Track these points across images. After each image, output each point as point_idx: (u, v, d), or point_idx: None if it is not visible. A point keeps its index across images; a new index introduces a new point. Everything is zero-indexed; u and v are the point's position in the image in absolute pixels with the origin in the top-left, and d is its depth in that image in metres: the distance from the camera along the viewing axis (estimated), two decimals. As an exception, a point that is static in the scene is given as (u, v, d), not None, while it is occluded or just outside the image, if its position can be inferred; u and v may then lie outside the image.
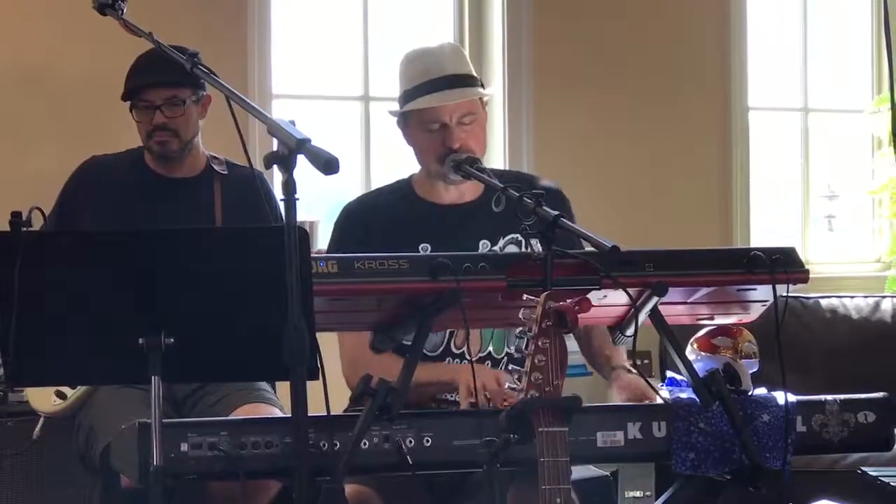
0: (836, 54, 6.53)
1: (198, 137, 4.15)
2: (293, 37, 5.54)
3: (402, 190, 3.72)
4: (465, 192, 3.67)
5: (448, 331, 3.56)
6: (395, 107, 3.65)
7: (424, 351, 3.33)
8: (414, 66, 3.61)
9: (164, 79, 3.98)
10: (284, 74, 5.46)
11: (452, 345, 3.60)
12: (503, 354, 3.63)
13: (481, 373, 3.30)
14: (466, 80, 3.59)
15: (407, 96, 3.59)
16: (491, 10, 5.78)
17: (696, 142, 6.00)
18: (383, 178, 4.05)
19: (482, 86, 3.69)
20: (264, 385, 3.94)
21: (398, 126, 3.68)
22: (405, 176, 3.75)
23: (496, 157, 5.63)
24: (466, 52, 3.80)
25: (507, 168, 5.48)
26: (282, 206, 2.65)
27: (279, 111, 5.33)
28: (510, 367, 3.56)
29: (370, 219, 3.62)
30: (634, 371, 3.41)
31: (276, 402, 3.89)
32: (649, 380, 3.30)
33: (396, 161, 3.79)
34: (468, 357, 3.51)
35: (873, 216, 6.47)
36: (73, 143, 4.52)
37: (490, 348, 3.61)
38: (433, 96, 3.54)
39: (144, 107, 4.05)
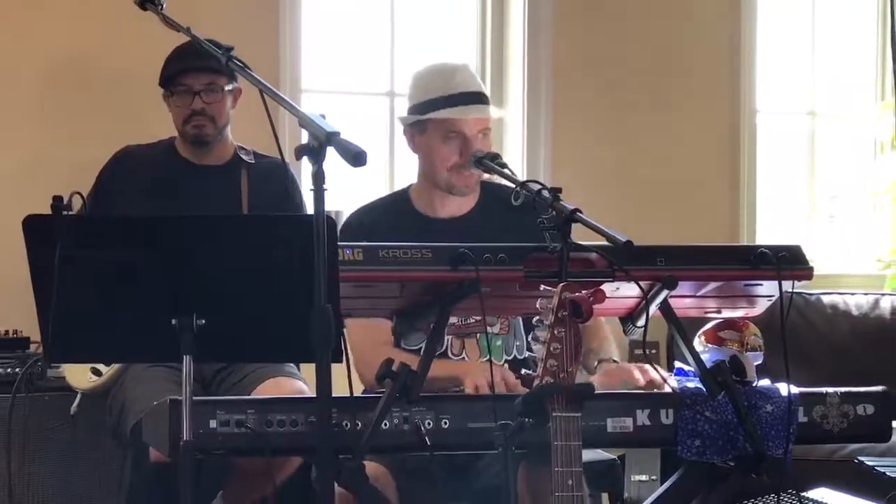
0: (842, 59, 6.54)
1: (228, 127, 4.26)
2: (322, 33, 5.59)
3: (399, 203, 3.80)
4: (461, 204, 3.75)
5: (446, 338, 3.59)
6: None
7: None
8: (436, 78, 3.71)
9: (203, 64, 4.05)
10: (313, 70, 5.49)
11: (450, 352, 3.65)
12: (502, 362, 3.66)
13: (486, 371, 3.38)
14: (488, 100, 3.74)
15: (430, 105, 3.67)
16: (511, 22, 5.80)
17: (706, 145, 6.03)
18: (407, 171, 4.14)
19: None
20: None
21: (405, 134, 3.77)
22: (404, 186, 3.84)
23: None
24: (489, 63, 3.88)
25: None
26: (310, 195, 2.67)
27: (308, 105, 5.37)
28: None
29: (370, 236, 3.61)
30: (619, 362, 3.50)
31: (299, 376, 3.94)
32: (657, 367, 3.35)
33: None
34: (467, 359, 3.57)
35: (874, 217, 6.52)
36: (115, 133, 4.55)
37: (489, 356, 3.65)
38: (465, 108, 3.63)
39: (183, 91, 4.14)
